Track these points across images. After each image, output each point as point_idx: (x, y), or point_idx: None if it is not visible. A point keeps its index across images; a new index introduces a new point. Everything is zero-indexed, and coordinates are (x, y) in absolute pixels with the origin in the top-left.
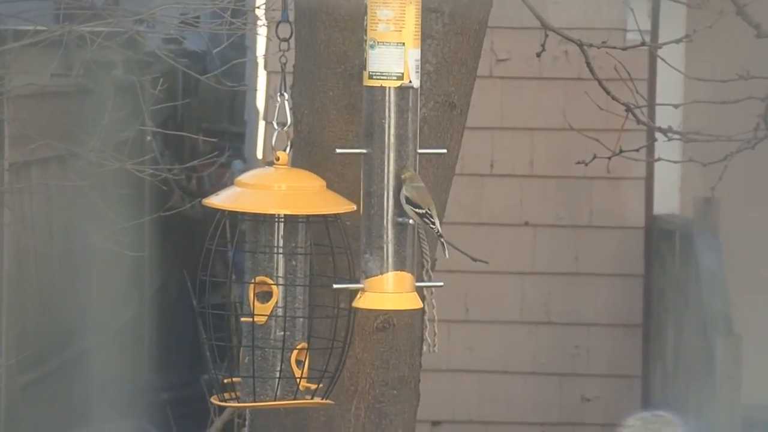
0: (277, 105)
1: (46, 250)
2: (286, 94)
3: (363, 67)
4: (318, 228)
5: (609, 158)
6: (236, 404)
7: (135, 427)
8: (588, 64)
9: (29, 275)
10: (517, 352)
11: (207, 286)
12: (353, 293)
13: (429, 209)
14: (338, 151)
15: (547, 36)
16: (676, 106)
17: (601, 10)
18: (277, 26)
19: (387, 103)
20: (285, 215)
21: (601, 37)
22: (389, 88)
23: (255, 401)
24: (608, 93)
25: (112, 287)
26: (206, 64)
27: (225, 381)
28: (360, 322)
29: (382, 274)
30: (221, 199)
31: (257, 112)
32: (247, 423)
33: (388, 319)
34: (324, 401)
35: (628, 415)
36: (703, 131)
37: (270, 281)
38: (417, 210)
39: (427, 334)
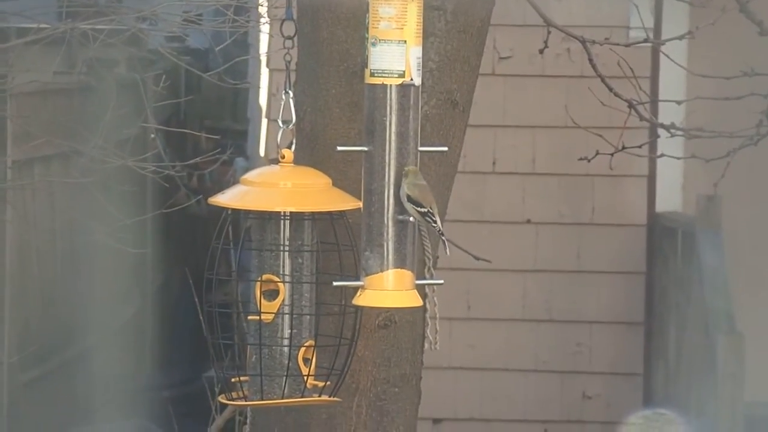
0: (282, 103)
1: (49, 248)
2: (291, 92)
3: (365, 64)
4: (324, 225)
5: (612, 155)
6: (244, 402)
7: (136, 425)
8: (591, 61)
9: (31, 272)
10: (519, 350)
11: (214, 284)
12: (357, 290)
13: (431, 208)
14: (339, 148)
15: (549, 33)
16: (679, 103)
17: (603, 8)
18: (281, 24)
19: (388, 101)
20: (291, 213)
21: (603, 35)
22: (390, 85)
23: (263, 399)
24: (611, 90)
25: (114, 284)
26: (209, 61)
27: (233, 380)
28: (362, 319)
29: (382, 271)
30: (227, 198)
31: (260, 109)
32: (248, 421)
33: (389, 317)
34: (332, 399)
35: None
36: (705, 128)
37: (277, 279)
38: (419, 209)
39: (428, 331)
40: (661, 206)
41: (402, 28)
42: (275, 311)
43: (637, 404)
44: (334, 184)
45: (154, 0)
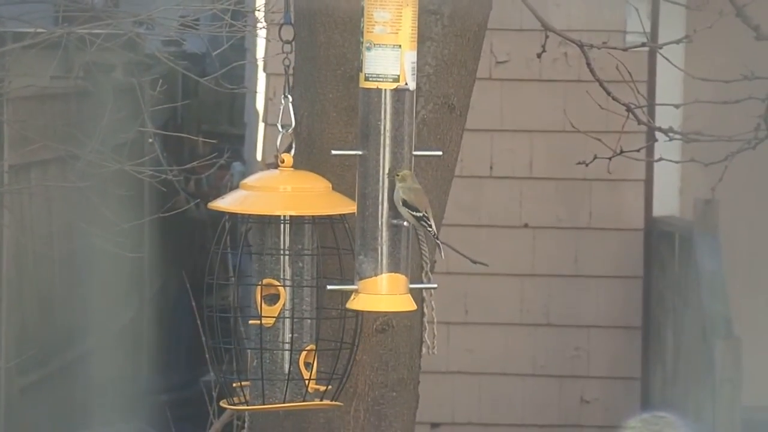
0: (281, 107)
1: (46, 252)
2: (289, 97)
3: (359, 68)
4: (324, 229)
5: (609, 159)
6: (245, 407)
7: (134, 429)
8: (588, 65)
9: (29, 277)
10: (517, 354)
11: (214, 288)
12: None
13: (426, 212)
14: (333, 152)
15: (547, 37)
16: (677, 106)
17: (601, 12)
18: (279, 28)
19: (383, 105)
20: (291, 217)
21: (601, 39)
22: (385, 90)
23: (264, 404)
24: (609, 94)
25: (112, 289)
26: (206, 66)
27: (234, 385)
28: (362, 323)
29: (376, 275)
30: (227, 202)
31: (257, 114)
32: (246, 425)
33: (387, 321)
34: (333, 403)
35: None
36: (703, 132)
37: (277, 283)
38: (414, 213)
39: (426, 336)
40: (658, 210)
41: (397, 33)
42: (276, 315)
43: (634, 408)
44: (332, 188)
45: (151, 4)
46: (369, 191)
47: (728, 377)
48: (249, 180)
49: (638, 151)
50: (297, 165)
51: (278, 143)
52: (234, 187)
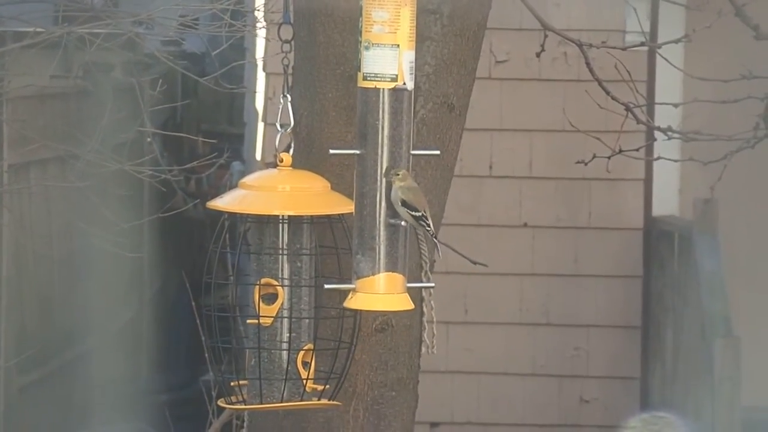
0: (280, 107)
1: (45, 252)
2: (288, 96)
3: (357, 68)
4: (322, 229)
5: (609, 158)
6: (243, 406)
7: (134, 429)
8: (588, 64)
9: (28, 276)
10: (516, 354)
11: (212, 288)
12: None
13: (424, 211)
14: (332, 151)
15: (546, 37)
16: (675, 106)
17: (600, 12)
18: (279, 28)
19: (381, 105)
20: (289, 216)
21: (600, 38)
22: (383, 89)
23: (262, 403)
24: (608, 93)
25: (112, 289)
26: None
27: (232, 384)
28: (360, 323)
29: (373, 275)
30: (226, 202)
31: (256, 113)
32: (245, 425)
33: (386, 321)
34: (331, 402)
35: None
36: (702, 131)
37: (275, 283)
38: (413, 213)
39: (425, 335)
40: (658, 210)
41: (395, 32)
42: (274, 315)
43: (634, 408)
44: (331, 187)
45: (150, 4)
46: (367, 190)
47: (727, 376)
48: (247, 179)
49: (637, 150)
50: (296, 164)
51: (277, 142)
52: (233, 186)
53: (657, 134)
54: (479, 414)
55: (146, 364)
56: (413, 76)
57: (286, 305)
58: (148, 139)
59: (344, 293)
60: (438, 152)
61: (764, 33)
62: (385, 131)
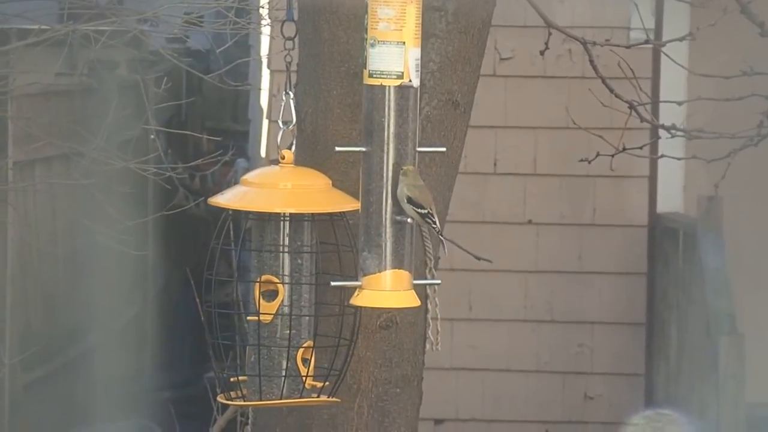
0: (282, 104)
1: (50, 249)
2: (291, 93)
3: (363, 65)
4: (324, 226)
5: (612, 156)
6: (243, 402)
7: (138, 426)
8: (592, 62)
9: (33, 274)
10: (521, 351)
11: (213, 285)
12: (355, 291)
13: (431, 209)
14: (337, 149)
15: (550, 34)
16: (679, 104)
17: (604, 9)
18: (282, 25)
19: (387, 102)
20: (291, 214)
21: (604, 36)
22: (389, 86)
23: (261, 400)
24: (612, 91)
25: (116, 286)
26: (210, 63)
27: (231, 380)
28: (363, 320)
29: (380, 271)
30: (227, 198)
31: (261, 110)
32: (249, 421)
33: (391, 318)
34: (330, 399)
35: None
36: (706, 129)
37: (276, 280)
38: (419, 210)
39: (430, 332)
40: (662, 207)
41: (401, 30)
42: (274, 312)
43: (638, 405)
44: (336, 185)
45: (155, 2)
46: (373, 188)
47: (732, 373)
48: (249, 176)
49: (641, 148)
50: (301, 162)
51: (279, 140)
52: (237, 183)
53: (661, 132)
54: (483, 410)
55: (150, 361)
56: (419, 73)
57: (286, 302)
58: (152, 136)
59: (346, 290)
60: (443, 149)
61: None
62: (391, 128)
